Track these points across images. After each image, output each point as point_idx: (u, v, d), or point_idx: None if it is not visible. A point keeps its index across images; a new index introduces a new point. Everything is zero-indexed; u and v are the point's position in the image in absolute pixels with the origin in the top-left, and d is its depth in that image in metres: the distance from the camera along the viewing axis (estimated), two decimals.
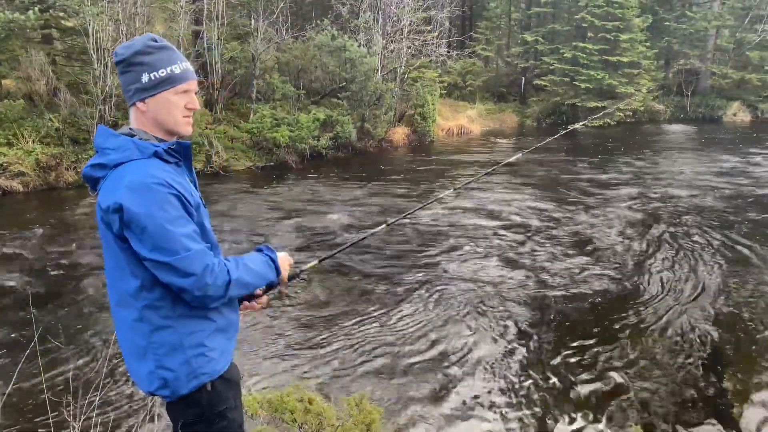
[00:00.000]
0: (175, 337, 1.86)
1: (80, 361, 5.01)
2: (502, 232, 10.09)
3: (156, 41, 1.93)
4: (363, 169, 16.31)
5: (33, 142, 13.32)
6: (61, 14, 14.73)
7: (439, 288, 7.51)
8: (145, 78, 1.88)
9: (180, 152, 1.94)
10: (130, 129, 1.92)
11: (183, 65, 1.96)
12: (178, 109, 1.95)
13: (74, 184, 13.21)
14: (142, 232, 1.75)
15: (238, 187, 13.72)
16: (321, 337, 6.11)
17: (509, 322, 6.52)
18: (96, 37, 13.91)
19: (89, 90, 14.16)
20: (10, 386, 2.92)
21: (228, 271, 1.88)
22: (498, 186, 13.79)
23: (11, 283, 7.62)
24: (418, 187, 13.97)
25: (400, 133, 20.95)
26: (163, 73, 1.90)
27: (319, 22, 19.86)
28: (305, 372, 5.32)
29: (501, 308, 6.90)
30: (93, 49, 13.90)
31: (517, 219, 10.92)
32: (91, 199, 12.21)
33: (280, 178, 14.99)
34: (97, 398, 3.13)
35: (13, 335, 5.87)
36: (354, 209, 11.64)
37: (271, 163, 16.50)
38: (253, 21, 18.13)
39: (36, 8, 12.86)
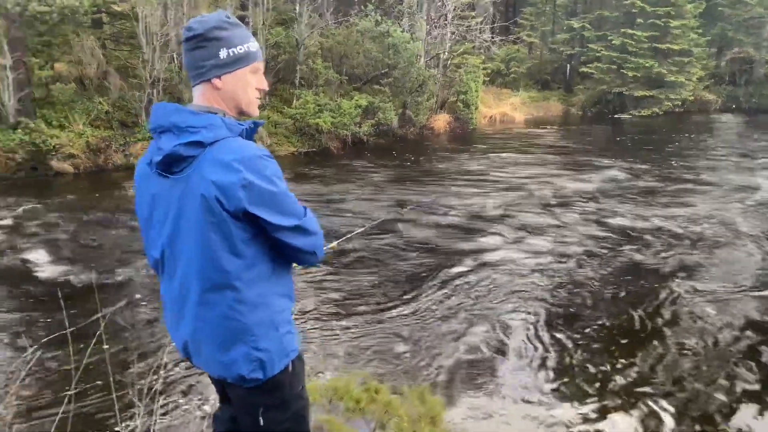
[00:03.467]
0: (270, 315, 1.86)
1: (144, 344, 5.06)
2: (540, 221, 9.89)
3: (229, 18, 1.86)
4: (403, 157, 16.19)
5: (83, 124, 13.59)
6: None
7: (483, 276, 7.38)
8: (223, 54, 1.81)
9: (250, 133, 1.87)
10: (208, 107, 1.83)
11: (255, 44, 1.90)
12: (252, 88, 1.88)
13: (123, 167, 13.46)
14: (273, 201, 1.75)
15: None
16: (365, 325, 6.07)
17: (552, 313, 6.37)
18: (145, 21, 14.07)
19: (138, 74, 14.36)
20: (82, 366, 2.94)
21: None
22: (532, 173, 13.54)
23: (68, 266, 7.78)
24: (455, 175, 13.81)
25: (441, 121, 20.74)
26: (241, 49, 1.83)
27: (363, 7, 19.71)
28: (354, 361, 5.29)
29: (543, 299, 6.75)
30: (142, 33, 14.06)
31: (558, 209, 10.69)
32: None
33: (322, 163, 15.00)
34: (159, 380, 3.13)
35: (78, 318, 5.99)
36: (391, 196, 11.57)
37: (314, 149, 16.53)
38: (297, 6, 18.10)
39: None
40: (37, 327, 5.90)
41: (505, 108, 23.74)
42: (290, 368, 1.94)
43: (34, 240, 8.68)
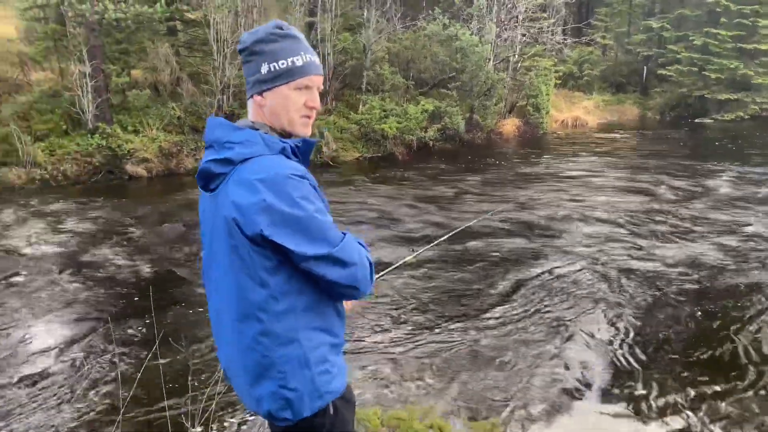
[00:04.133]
0: (301, 351, 1.68)
1: (198, 362, 4.91)
2: (640, 230, 9.31)
3: (282, 29, 1.72)
4: (470, 162, 15.80)
5: (157, 129, 13.96)
6: (185, 7, 15.34)
7: (567, 289, 6.96)
8: (264, 69, 1.70)
9: (303, 151, 1.76)
10: (252, 122, 1.74)
11: (307, 57, 1.74)
12: (296, 106, 1.73)
13: (193, 171, 13.73)
14: (298, 227, 1.58)
15: (346, 179, 13.69)
16: (428, 346, 5.78)
17: (643, 335, 5.89)
18: (216, 28, 14.34)
19: (209, 80, 14.65)
20: (134, 386, 2.83)
21: (366, 254, 1.76)
22: (607, 178, 12.86)
23: (132, 272, 7.90)
24: (523, 184, 13.31)
25: (510, 125, 20.21)
26: (283, 64, 1.69)
27: (431, 11, 19.48)
28: (416, 387, 5.02)
29: (636, 317, 6.26)
30: (213, 40, 14.34)
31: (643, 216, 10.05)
32: None
33: (387, 169, 14.82)
34: (213, 404, 2.99)
35: (136, 329, 6.02)
36: (456, 205, 11.22)
37: (379, 155, 16.40)
38: (365, 11, 18.05)
39: (162, 1, 13.42)
40: (98, 333, 5.94)
41: (577, 112, 22.91)
42: (330, 410, 1.76)
43: (108, 243, 8.88)
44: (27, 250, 8.46)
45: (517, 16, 20.13)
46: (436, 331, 5.99)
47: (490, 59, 18.94)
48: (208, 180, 1.70)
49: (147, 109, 14.23)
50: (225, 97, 14.65)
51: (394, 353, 5.50)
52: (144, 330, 5.80)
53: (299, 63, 1.71)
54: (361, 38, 17.63)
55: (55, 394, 4.78)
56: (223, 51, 14.47)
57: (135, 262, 8.06)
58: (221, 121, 1.72)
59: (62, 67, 14.50)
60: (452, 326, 6.07)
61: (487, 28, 19.25)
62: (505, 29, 20.11)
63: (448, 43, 18.18)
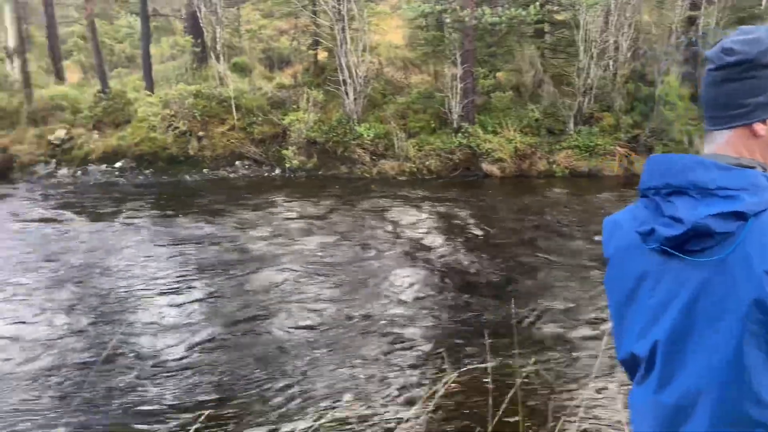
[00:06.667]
0: None
1: (563, 389, 4.57)
2: None
3: None
4: None
5: (514, 131, 14.21)
6: (555, 8, 15.23)
7: None
8: None
9: None
10: (737, 158, 1.28)
11: None
12: None
13: (544, 174, 13.64)
14: None
15: None
16: None
17: None
18: (585, 29, 13.87)
19: (571, 82, 14.29)
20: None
21: None
22: None
23: (473, 286, 8.02)
24: None
25: None
26: None
27: None
28: None
29: None
30: (581, 40, 13.90)
31: None
32: (560, 188, 12.29)
33: None
34: None
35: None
36: None
37: None
38: (764, 0, 15.37)
39: (536, 3, 13.53)
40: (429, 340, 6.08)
41: None
42: None
43: (460, 242, 9.29)
44: (389, 236, 9.39)
45: None
46: None
47: None
48: (692, 240, 1.26)
49: (508, 111, 14.60)
50: (586, 99, 14.11)
51: None
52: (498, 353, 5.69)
53: None
54: None
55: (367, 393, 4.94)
56: (590, 51, 13.92)
57: (483, 277, 7.87)
58: (697, 159, 1.29)
59: (437, 70, 15.84)
60: None
61: None
62: None
63: None
